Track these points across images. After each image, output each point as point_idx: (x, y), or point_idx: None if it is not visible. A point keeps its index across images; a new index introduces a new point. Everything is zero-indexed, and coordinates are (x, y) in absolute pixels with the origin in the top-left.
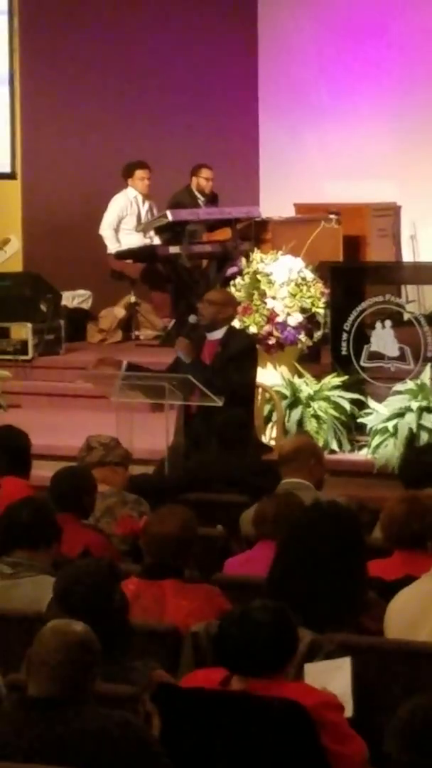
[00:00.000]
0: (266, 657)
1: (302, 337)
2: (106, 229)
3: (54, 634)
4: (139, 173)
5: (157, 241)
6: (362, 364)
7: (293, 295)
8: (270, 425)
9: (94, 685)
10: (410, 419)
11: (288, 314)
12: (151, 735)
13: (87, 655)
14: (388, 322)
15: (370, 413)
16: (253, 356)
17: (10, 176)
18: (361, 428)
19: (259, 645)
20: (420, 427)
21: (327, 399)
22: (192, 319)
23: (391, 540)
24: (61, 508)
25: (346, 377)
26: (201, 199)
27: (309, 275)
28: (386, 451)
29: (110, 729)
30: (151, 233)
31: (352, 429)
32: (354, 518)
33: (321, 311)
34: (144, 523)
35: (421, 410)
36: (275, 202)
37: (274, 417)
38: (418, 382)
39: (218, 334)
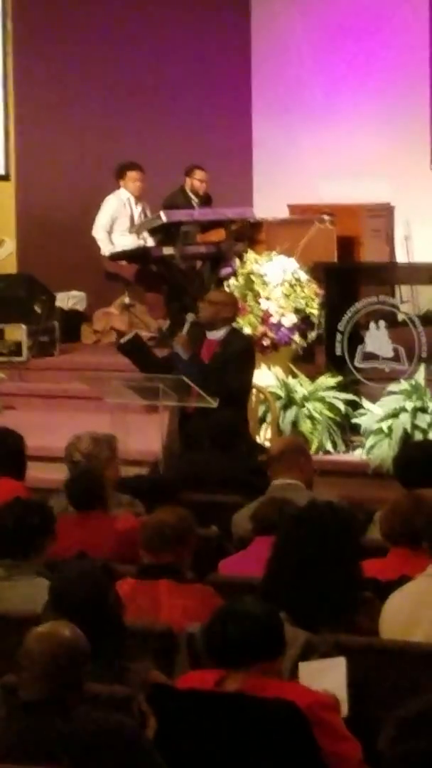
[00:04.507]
0: (252, 644)
1: (296, 337)
2: (99, 231)
3: (40, 637)
4: (131, 174)
5: (150, 242)
6: (356, 364)
7: (287, 296)
8: (264, 426)
9: (83, 687)
10: (405, 419)
11: (282, 315)
12: (146, 737)
13: (74, 658)
14: (382, 323)
15: (365, 414)
16: (250, 358)
17: (4, 177)
18: (356, 429)
19: (244, 631)
20: (414, 427)
21: (321, 400)
22: (190, 317)
23: (391, 535)
24: (83, 507)
25: (340, 378)
26: (195, 200)
27: (303, 276)
28: (381, 451)
29: (104, 731)
30: (145, 234)
31: (347, 429)
32: (349, 519)
33: (315, 312)
34: (142, 521)
35: (416, 410)
36: (269, 203)
37: (269, 418)
38: (413, 382)
39: (219, 334)
